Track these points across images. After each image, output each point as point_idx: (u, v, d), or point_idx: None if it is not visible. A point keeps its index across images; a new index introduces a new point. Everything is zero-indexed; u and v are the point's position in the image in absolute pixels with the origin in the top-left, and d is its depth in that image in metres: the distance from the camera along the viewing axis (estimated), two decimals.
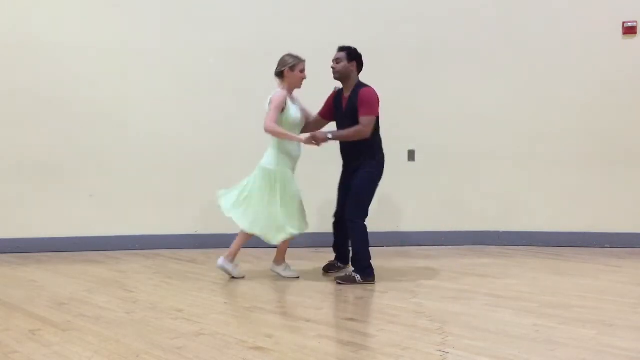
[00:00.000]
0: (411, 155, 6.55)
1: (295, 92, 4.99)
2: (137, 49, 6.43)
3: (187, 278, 5.02)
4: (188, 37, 6.47)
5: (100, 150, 6.40)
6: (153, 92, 6.45)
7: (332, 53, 6.65)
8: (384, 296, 4.30)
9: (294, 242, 6.22)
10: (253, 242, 6.40)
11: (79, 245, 6.33)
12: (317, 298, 4.33)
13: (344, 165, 5.08)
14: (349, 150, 4.96)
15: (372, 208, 6.54)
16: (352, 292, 4.44)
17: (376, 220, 6.50)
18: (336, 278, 4.79)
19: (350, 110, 4.82)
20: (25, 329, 3.53)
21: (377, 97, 4.85)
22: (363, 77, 6.45)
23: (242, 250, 6.19)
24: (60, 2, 6.41)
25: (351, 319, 3.69)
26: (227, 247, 6.35)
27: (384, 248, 6.39)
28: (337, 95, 5.02)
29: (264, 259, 5.68)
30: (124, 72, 6.42)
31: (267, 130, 4.71)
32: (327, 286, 4.67)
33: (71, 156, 6.37)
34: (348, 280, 4.70)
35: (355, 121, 4.78)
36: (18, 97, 6.31)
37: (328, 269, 5.12)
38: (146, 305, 4.08)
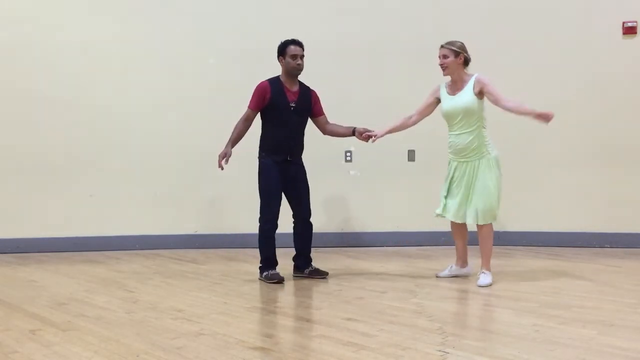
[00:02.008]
0: (411, 155, 6.55)
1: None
2: (137, 49, 6.44)
3: (187, 278, 5.02)
4: (188, 37, 6.48)
5: (100, 150, 6.41)
6: (153, 92, 6.46)
7: (332, 52, 6.68)
8: (384, 296, 4.30)
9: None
10: (251, 242, 6.41)
11: (79, 245, 6.33)
12: (317, 298, 4.33)
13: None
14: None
15: (372, 208, 6.59)
16: (352, 292, 4.44)
17: (376, 220, 6.56)
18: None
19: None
20: (25, 329, 3.53)
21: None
22: (364, 75, 6.49)
23: (243, 250, 6.22)
24: (60, 2, 6.41)
25: (351, 319, 3.69)
26: (227, 247, 6.42)
27: (384, 248, 6.40)
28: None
29: None
30: (124, 72, 6.43)
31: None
32: (327, 286, 4.67)
33: (71, 156, 6.38)
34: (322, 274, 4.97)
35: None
36: (18, 97, 6.32)
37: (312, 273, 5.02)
38: (146, 305, 4.07)
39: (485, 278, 4.63)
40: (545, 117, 4.48)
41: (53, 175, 6.34)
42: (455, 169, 4.78)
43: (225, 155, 4.82)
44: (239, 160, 6.43)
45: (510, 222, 6.39)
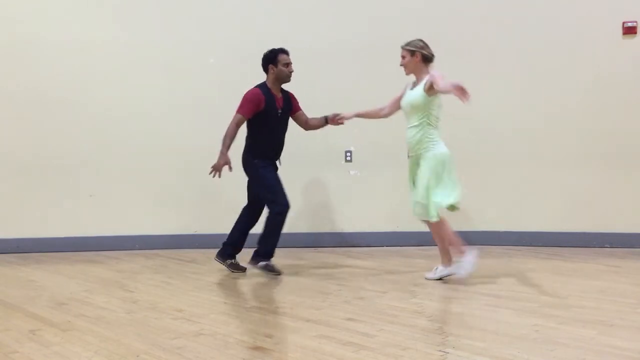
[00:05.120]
0: None
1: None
2: (136, 49, 6.44)
3: (187, 278, 5.02)
4: (188, 36, 6.48)
5: (100, 151, 6.41)
6: (153, 92, 6.46)
7: (332, 53, 6.68)
8: (384, 296, 4.30)
9: (294, 242, 6.23)
10: (252, 242, 6.42)
11: (79, 245, 6.33)
12: (317, 298, 4.33)
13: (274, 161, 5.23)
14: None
15: (372, 208, 6.59)
16: (352, 292, 4.44)
17: (376, 221, 6.56)
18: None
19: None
20: (25, 329, 3.53)
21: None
22: (363, 76, 6.49)
23: (243, 250, 6.20)
24: (60, 2, 6.41)
25: (351, 319, 3.69)
26: None
27: (384, 248, 6.40)
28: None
29: None
30: (124, 72, 6.43)
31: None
32: (327, 286, 4.67)
33: (71, 156, 6.37)
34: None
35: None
36: (18, 97, 6.32)
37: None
38: (146, 305, 4.07)
39: (453, 268, 4.64)
40: (461, 93, 4.35)
41: (53, 175, 6.33)
42: (409, 164, 4.86)
43: (227, 164, 4.97)
44: (239, 160, 6.47)
45: (510, 222, 6.39)
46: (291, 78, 5.10)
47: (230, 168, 5.00)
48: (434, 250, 6.14)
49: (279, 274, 5.01)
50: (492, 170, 6.45)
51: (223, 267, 5.25)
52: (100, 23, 6.40)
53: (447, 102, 6.41)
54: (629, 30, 6.15)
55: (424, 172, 4.65)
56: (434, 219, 4.66)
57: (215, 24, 6.49)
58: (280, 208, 4.97)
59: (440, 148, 4.69)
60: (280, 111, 5.09)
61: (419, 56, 4.76)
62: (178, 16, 6.50)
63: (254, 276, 5.03)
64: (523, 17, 6.39)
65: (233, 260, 5.19)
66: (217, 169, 4.99)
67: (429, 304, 4.05)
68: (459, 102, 6.40)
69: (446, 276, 4.80)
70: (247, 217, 5.24)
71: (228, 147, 4.99)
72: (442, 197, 4.63)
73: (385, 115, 5.08)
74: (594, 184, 6.26)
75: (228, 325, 3.58)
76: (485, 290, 4.43)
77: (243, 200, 6.50)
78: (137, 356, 3.05)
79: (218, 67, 6.50)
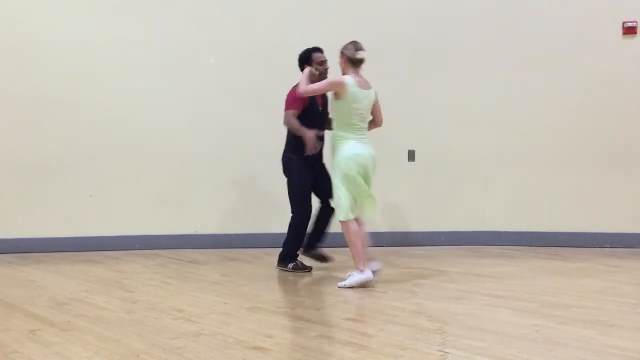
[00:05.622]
0: (411, 155, 6.55)
1: None
2: (136, 49, 6.43)
3: (187, 278, 5.02)
4: (188, 37, 6.48)
5: (100, 150, 6.40)
6: (153, 92, 6.46)
7: (332, 52, 6.67)
8: (384, 296, 4.30)
9: None
10: (252, 242, 6.44)
11: (79, 245, 6.32)
12: (317, 298, 4.33)
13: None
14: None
15: None
16: (352, 292, 4.44)
17: (376, 220, 6.54)
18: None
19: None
20: (25, 329, 3.53)
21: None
22: (363, 76, 6.48)
23: (242, 250, 6.23)
24: (60, 2, 6.41)
25: (351, 319, 3.69)
26: (227, 247, 6.42)
27: (384, 248, 6.40)
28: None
29: (264, 259, 5.68)
30: (124, 72, 6.42)
31: None
32: (327, 286, 4.67)
33: (71, 156, 6.37)
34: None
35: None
36: (18, 97, 6.31)
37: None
38: (146, 305, 4.07)
39: (348, 279, 4.53)
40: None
41: (53, 175, 6.33)
42: None
43: (314, 134, 4.85)
44: (240, 161, 6.48)
45: (510, 222, 6.40)
46: (327, 75, 5.04)
47: (317, 135, 4.87)
48: (435, 250, 6.18)
49: (310, 270, 5.15)
50: (491, 170, 6.45)
51: (224, 268, 5.26)
52: (100, 23, 6.40)
53: (447, 102, 6.44)
54: (629, 30, 6.16)
55: (334, 174, 4.60)
56: (341, 218, 4.58)
57: (215, 24, 6.49)
58: (303, 219, 5.10)
59: (347, 152, 4.52)
60: (320, 108, 5.12)
61: (344, 57, 4.67)
62: (178, 16, 6.49)
63: (254, 276, 5.03)
64: (523, 17, 6.39)
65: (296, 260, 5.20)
66: (310, 142, 4.81)
67: (429, 304, 4.04)
68: (457, 102, 6.46)
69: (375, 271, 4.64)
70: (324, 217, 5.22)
71: (300, 124, 4.88)
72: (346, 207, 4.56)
73: (375, 124, 4.81)
74: (594, 184, 6.27)
75: (228, 325, 3.58)
76: (485, 290, 4.43)
77: (243, 201, 6.54)
78: (137, 356, 3.05)
79: (218, 67, 6.50)
